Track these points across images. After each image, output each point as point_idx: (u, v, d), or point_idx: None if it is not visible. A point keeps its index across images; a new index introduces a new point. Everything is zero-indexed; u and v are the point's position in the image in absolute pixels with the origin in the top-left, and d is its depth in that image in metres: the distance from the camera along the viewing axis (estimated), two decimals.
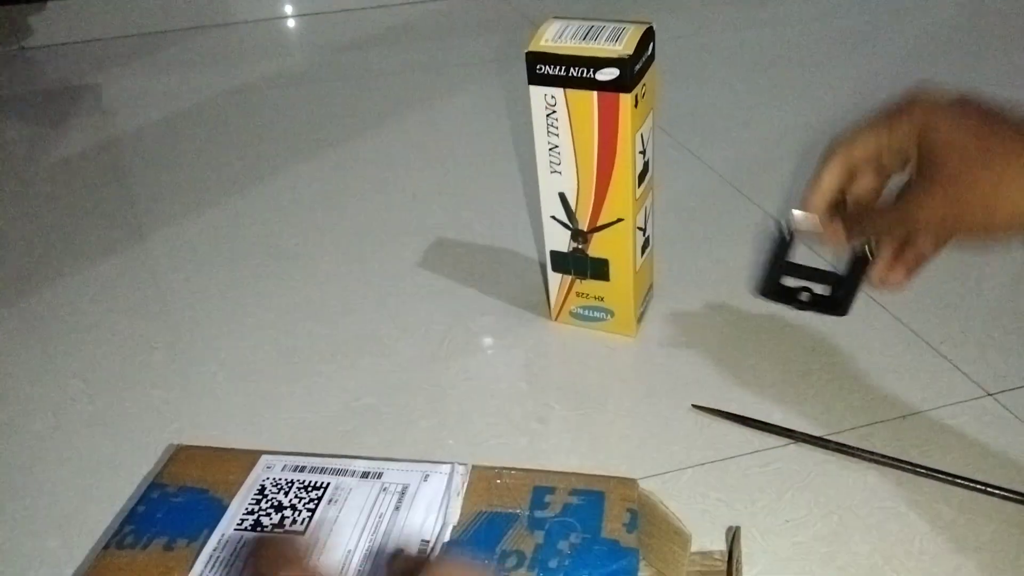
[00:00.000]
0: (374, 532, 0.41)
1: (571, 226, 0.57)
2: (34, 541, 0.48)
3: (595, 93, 0.51)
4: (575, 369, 0.59)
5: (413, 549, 0.40)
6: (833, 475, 0.49)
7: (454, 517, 0.41)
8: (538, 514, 0.41)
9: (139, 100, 1.12)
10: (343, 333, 0.64)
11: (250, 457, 0.46)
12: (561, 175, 0.55)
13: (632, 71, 0.50)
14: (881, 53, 1.11)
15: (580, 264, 0.59)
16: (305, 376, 0.60)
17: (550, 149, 0.54)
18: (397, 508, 0.42)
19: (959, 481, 0.47)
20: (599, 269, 0.59)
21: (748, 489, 0.48)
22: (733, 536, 0.43)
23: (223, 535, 0.41)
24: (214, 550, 0.40)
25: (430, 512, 0.42)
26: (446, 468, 0.44)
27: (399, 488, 0.43)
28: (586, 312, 0.61)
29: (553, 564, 0.38)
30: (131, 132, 1.02)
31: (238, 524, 0.42)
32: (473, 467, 0.44)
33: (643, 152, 0.55)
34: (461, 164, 0.89)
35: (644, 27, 0.51)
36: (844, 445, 0.50)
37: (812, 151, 0.86)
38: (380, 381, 0.59)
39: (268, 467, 0.45)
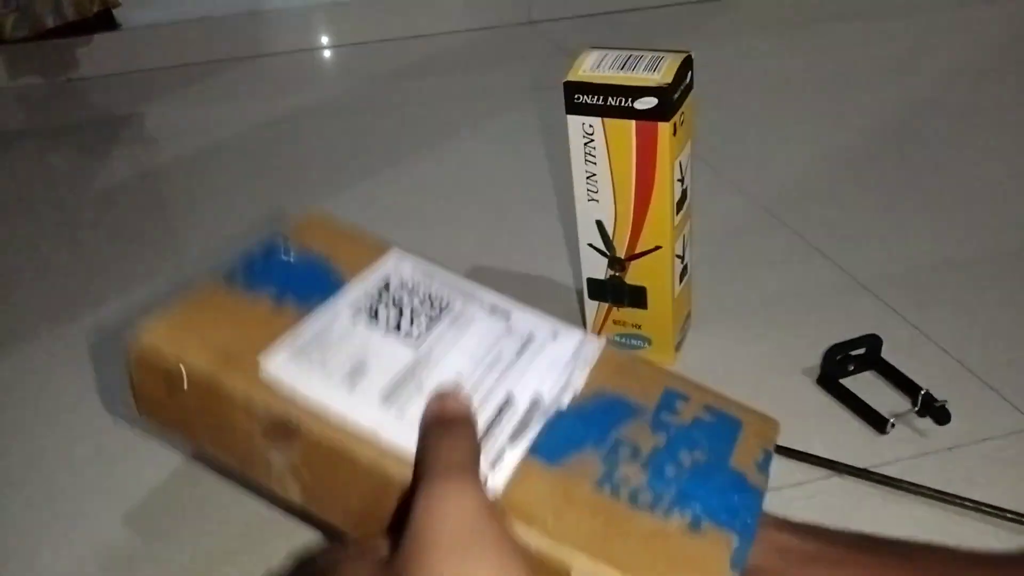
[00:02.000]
0: (489, 368, 0.37)
1: (608, 254, 0.57)
2: (74, 567, 0.49)
3: (633, 122, 0.51)
4: None
5: (520, 403, 0.36)
6: (878, 508, 0.48)
7: (578, 384, 0.37)
8: (665, 416, 0.36)
9: (180, 130, 1.14)
10: None
11: (381, 246, 0.43)
12: (599, 203, 0.55)
13: (671, 100, 0.50)
14: (919, 80, 1.11)
15: (617, 292, 0.59)
16: None
17: (588, 177, 0.55)
18: (518, 354, 0.38)
19: (1008, 515, 0.46)
20: (637, 297, 0.58)
21: None
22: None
23: (336, 312, 0.38)
24: (323, 326, 0.37)
25: (552, 371, 0.37)
26: (578, 333, 0.40)
27: (525, 335, 0.39)
28: (624, 340, 0.61)
29: (670, 472, 0.34)
30: (172, 161, 1.05)
31: (353, 306, 0.39)
32: (606, 348, 0.40)
33: (681, 180, 0.55)
34: (497, 192, 0.89)
35: (683, 56, 0.51)
36: (889, 477, 0.49)
37: (847, 178, 0.86)
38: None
39: (398, 261, 0.42)
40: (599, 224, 0.56)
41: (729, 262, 0.73)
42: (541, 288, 0.71)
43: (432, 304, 0.40)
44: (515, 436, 0.34)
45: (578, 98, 0.52)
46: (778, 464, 0.51)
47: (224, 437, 0.37)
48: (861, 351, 0.58)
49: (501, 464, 0.33)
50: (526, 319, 0.40)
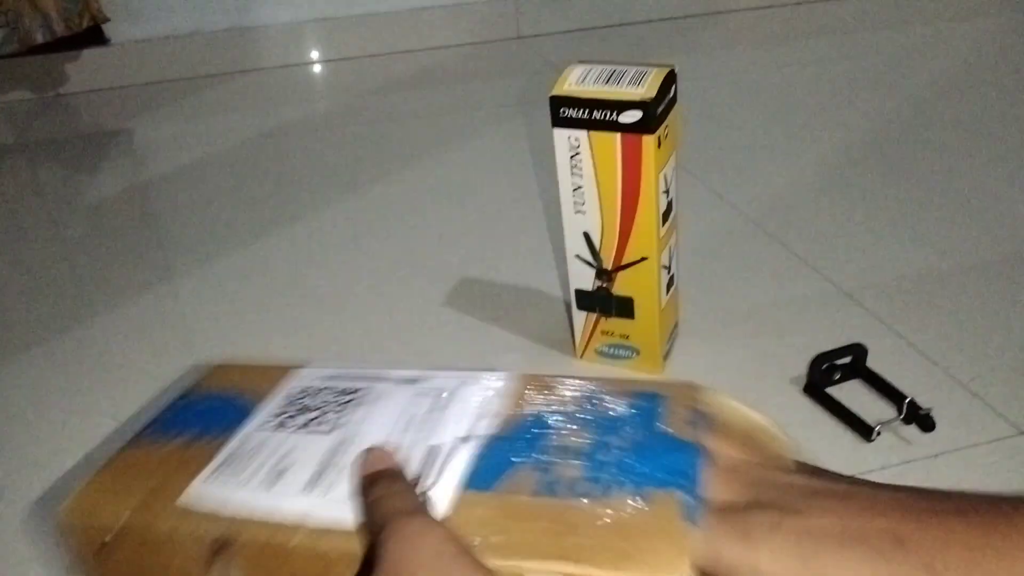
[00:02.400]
0: (405, 431, 0.37)
1: (596, 265, 0.58)
2: None
3: (618, 135, 0.52)
4: None
5: (443, 448, 0.36)
6: None
7: (496, 413, 0.38)
8: (587, 414, 0.37)
9: (170, 145, 1.14)
10: None
11: (285, 369, 0.44)
12: (585, 215, 0.56)
13: (655, 113, 0.50)
14: (900, 93, 1.12)
15: (605, 302, 0.59)
16: None
17: (574, 190, 0.55)
18: (431, 411, 0.38)
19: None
20: (624, 307, 0.59)
21: None
22: None
23: (246, 434, 0.39)
24: (234, 447, 0.38)
25: (466, 413, 0.38)
26: (491, 375, 0.41)
27: (434, 392, 0.39)
28: (612, 350, 0.62)
29: (604, 458, 0.34)
30: (162, 176, 1.05)
31: (261, 424, 0.39)
32: (521, 375, 0.40)
33: (667, 192, 0.55)
34: (486, 205, 0.90)
35: (666, 70, 0.52)
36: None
37: (831, 189, 0.87)
38: None
39: (302, 377, 0.43)
40: (586, 236, 0.57)
41: (716, 273, 0.74)
42: (529, 299, 0.72)
43: (337, 399, 0.41)
44: (441, 477, 0.34)
45: (564, 112, 0.52)
46: None
47: None
48: (847, 360, 0.59)
49: (434, 504, 0.33)
50: (436, 378, 0.41)
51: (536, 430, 0.37)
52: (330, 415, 0.39)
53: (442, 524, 0.30)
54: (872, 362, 0.60)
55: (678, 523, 0.30)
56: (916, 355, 0.61)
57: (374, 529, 0.31)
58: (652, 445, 0.34)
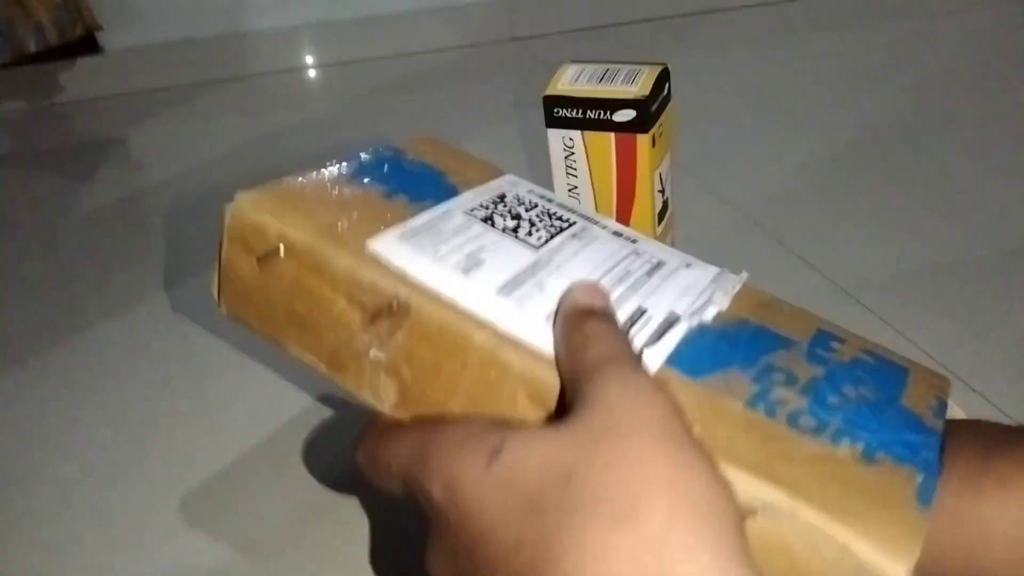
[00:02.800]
0: (618, 282, 0.32)
1: None
2: None
3: (613, 135, 0.51)
4: None
5: (655, 316, 0.31)
6: None
7: (720, 305, 0.33)
8: (820, 352, 0.32)
9: (165, 152, 1.14)
10: None
11: (496, 168, 0.40)
12: None
13: (649, 112, 0.50)
14: (896, 88, 1.12)
15: None
16: (335, 424, 0.60)
17: (569, 190, 0.55)
18: (648, 275, 0.34)
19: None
20: None
21: None
22: None
23: (449, 210, 0.35)
24: (436, 216, 0.34)
25: (688, 293, 0.33)
26: (714, 267, 0.37)
27: (655, 260, 0.35)
28: None
29: (833, 401, 0.29)
30: (158, 183, 1.05)
31: (467, 209, 0.35)
32: (749, 284, 0.36)
33: (662, 191, 0.55)
34: None
35: (659, 68, 0.52)
36: None
37: (828, 186, 0.86)
38: None
39: (513, 183, 0.39)
40: None
41: None
42: None
43: (551, 219, 0.36)
44: (650, 344, 0.30)
45: (557, 112, 0.52)
46: None
47: (315, 330, 0.33)
48: None
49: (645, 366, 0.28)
50: (654, 247, 0.36)
51: (758, 341, 0.32)
52: (541, 231, 0.35)
53: (664, 387, 0.25)
54: None
55: (910, 498, 0.26)
56: (915, 351, 0.61)
57: (579, 367, 0.26)
58: (893, 413, 0.30)
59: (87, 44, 1.35)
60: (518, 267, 0.32)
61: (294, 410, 0.62)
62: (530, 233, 0.35)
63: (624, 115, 0.50)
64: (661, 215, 0.56)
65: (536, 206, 0.37)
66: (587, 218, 0.37)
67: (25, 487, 0.57)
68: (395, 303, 0.30)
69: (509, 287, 0.31)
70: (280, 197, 0.35)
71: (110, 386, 0.66)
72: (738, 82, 1.19)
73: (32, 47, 1.26)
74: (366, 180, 0.37)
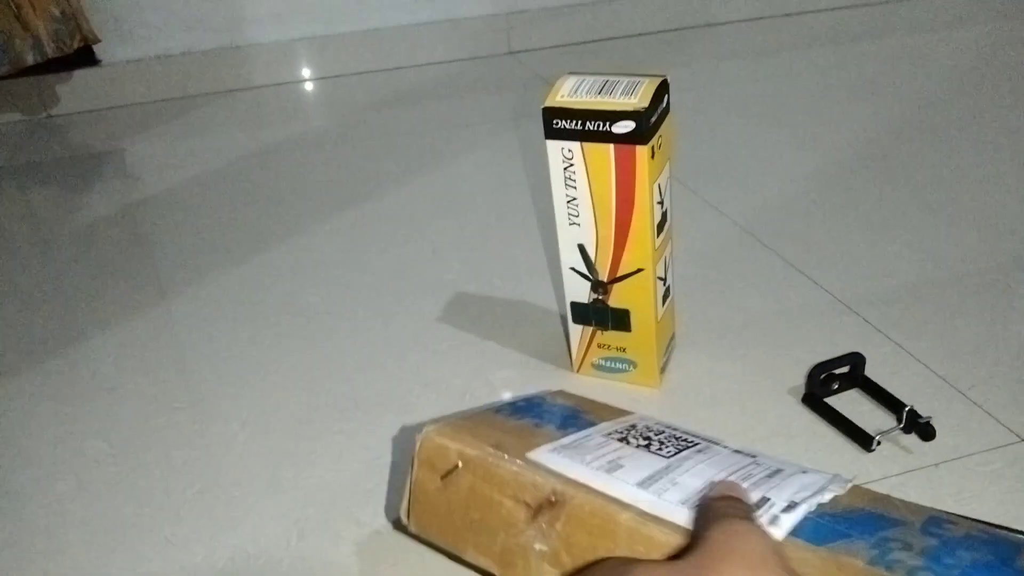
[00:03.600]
0: (743, 480, 0.38)
1: (591, 277, 0.57)
2: None
3: (612, 146, 0.51)
4: None
5: (778, 503, 0.36)
6: None
7: (836, 491, 0.38)
8: (933, 529, 0.35)
9: (162, 164, 1.14)
10: (364, 390, 0.64)
11: (624, 411, 0.48)
12: (580, 227, 0.55)
13: (648, 123, 0.50)
14: (893, 101, 1.12)
15: (601, 315, 0.59)
16: (327, 434, 0.60)
17: (568, 202, 0.55)
18: (769, 477, 0.39)
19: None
20: (620, 319, 0.58)
21: None
22: None
23: (589, 433, 0.43)
24: (579, 438, 0.42)
25: (806, 488, 0.38)
26: (826, 474, 0.41)
27: (773, 467, 0.40)
28: (608, 363, 0.61)
29: (949, 561, 0.32)
30: (154, 196, 1.04)
31: (604, 433, 0.43)
32: (856, 486, 0.40)
33: (661, 202, 0.55)
34: (480, 219, 0.90)
35: (659, 80, 0.52)
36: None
37: (826, 199, 0.87)
38: (403, 438, 0.59)
39: (642, 418, 0.47)
40: (581, 248, 0.56)
41: (711, 283, 0.73)
42: (525, 314, 0.71)
43: (677, 440, 0.43)
44: (773, 521, 0.35)
45: (556, 123, 0.52)
46: None
47: (487, 533, 0.39)
48: (845, 369, 0.59)
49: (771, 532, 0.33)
50: (772, 459, 0.42)
51: (873, 521, 0.36)
52: (670, 446, 0.42)
53: (770, 536, 0.31)
54: (871, 371, 0.59)
55: None
56: (915, 363, 0.61)
57: (706, 525, 0.32)
58: (1007, 572, 0.32)
59: (85, 56, 1.35)
60: (653, 469, 0.38)
61: (290, 421, 0.61)
62: (660, 448, 0.41)
63: (623, 127, 0.50)
64: (660, 226, 0.56)
65: (663, 432, 0.44)
66: (710, 440, 0.44)
67: (19, 500, 0.56)
68: (553, 496, 0.37)
69: (647, 482, 0.37)
70: (457, 427, 0.42)
71: (105, 398, 0.66)
72: (735, 95, 1.20)
73: (30, 60, 1.26)
74: (520, 415, 0.45)
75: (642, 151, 0.51)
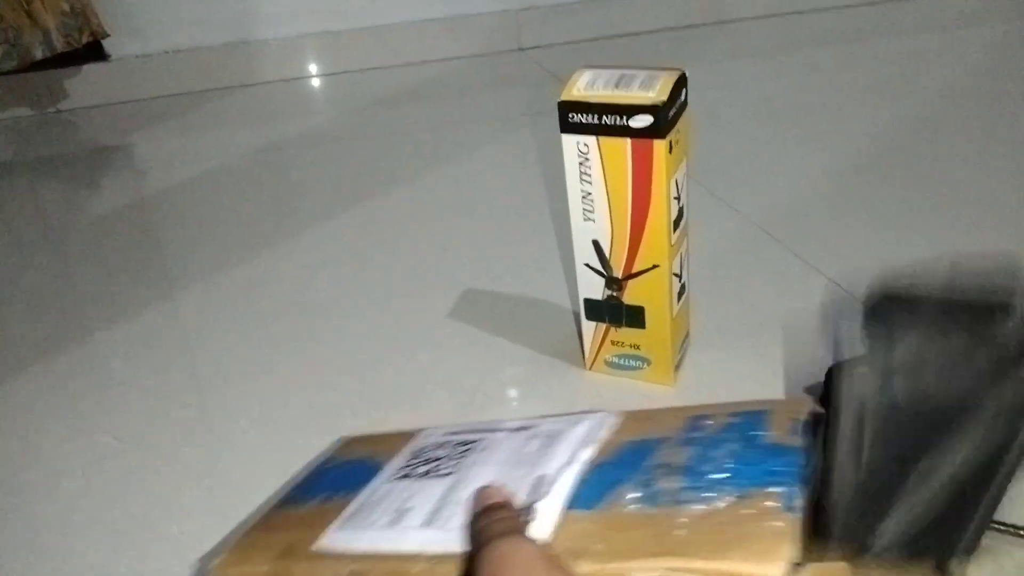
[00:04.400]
0: (517, 466, 0.40)
1: (605, 273, 0.57)
2: None
3: (629, 140, 0.50)
4: None
5: (549, 476, 0.38)
6: None
7: (601, 438, 0.40)
8: (692, 435, 0.39)
9: (170, 160, 1.14)
10: (373, 387, 0.63)
11: (409, 434, 0.48)
12: (595, 223, 0.55)
13: (666, 117, 0.49)
14: (906, 100, 1.11)
15: (615, 312, 0.58)
16: (337, 431, 0.59)
17: (583, 197, 0.54)
18: (543, 448, 0.41)
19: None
20: (635, 316, 0.57)
21: None
22: None
23: (373, 487, 0.42)
24: (363, 499, 0.42)
25: (573, 445, 0.40)
26: (600, 413, 0.43)
27: (548, 433, 0.42)
28: (622, 361, 0.60)
29: (707, 469, 0.36)
30: (162, 191, 1.04)
31: (388, 478, 0.43)
32: (627, 412, 0.43)
33: (678, 198, 0.54)
34: (491, 215, 0.89)
35: (677, 74, 0.51)
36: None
37: (840, 197, 0.85)
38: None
39: (427, 435, 0.47)
40: (595, 244, 0.56)
41: (727, 281, 0.72)
42: (537, 310, 0.70)
43: (457, 448, 0.44)
44: (547, 500, 0.37)
45: (572, 117, 0.51)
46: None
47: None
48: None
49: (542, 521, 0.35)
50: (550, 423, 0.44)
51: (638, 453, 0.39)
52: (448, 462, 0.42)
53: (532, 541, 0.33)
54: None
55: (777, 515, 0.32)
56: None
57: (475, 551, 0.34)
58: (755, 453, 0.36)
59: (94, 51, 1.35)
60: (436, 497, 0.39)
61: (300, 419, 0.61)
62: (443, 466, 0.42)
63: (641, 120, 0.49)
64: (676, 222, 0.55)
65: (444, 444, 0.45)
66: (490, 429, 0.45)
67: (27, 497, 0.56)
68: None
69: (432, 518, 0.38)
70: (244, 549, 0.42)
71: (114, 395, 0.65)
72: (749, 93, 1.19)
73: (39, 54, 1.26)
74: (307, 496, 0.45)
75: (660, 145, 0.50)
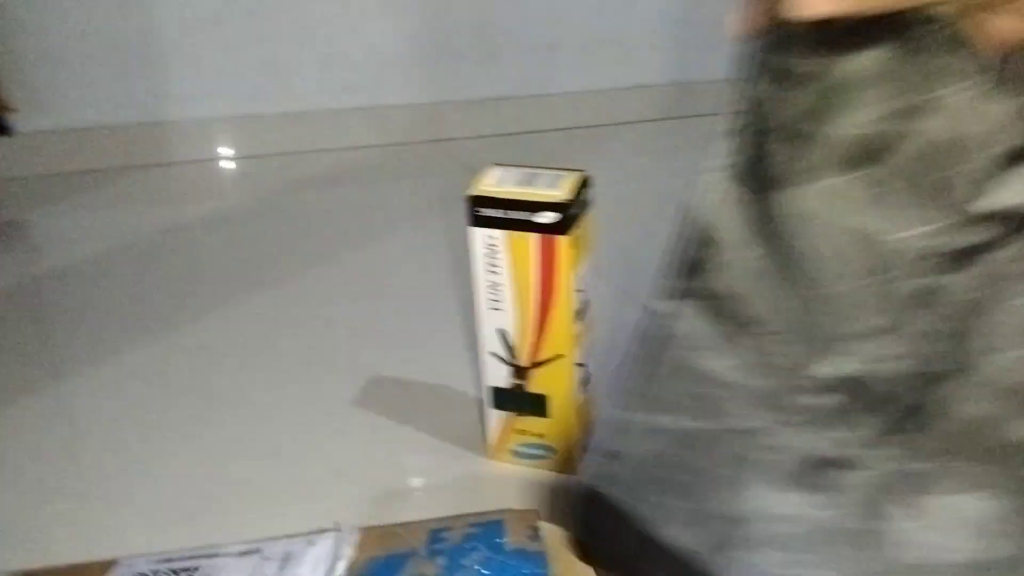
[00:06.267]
0: None
1: (511, 362, 0.58)
2: None
3: (535, 235, 0.52)
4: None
5: None
6: None
7: (348, 557, 0.41)
8: (437, 546, 0.41)
9: (68, 238, 1.10)
10: (272, 478, 0.62)
11: (104, 565, 0.44)
12: (501, 312, 0.56)
13: (570, 214, 0.52)
14: None
15: (519, 400, 0.59)
16: (229, 526, 0.57)
17: (490, 287, 0.55)
18: (281, 569, 0.41)
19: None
20: (538, 404, 0.58)
21: None
22: None
23: None
24: None
25: (317, 569, 0.41)
26: (332, 533, 0.44)
27: (281, 555, 0.42)
28: (527, 450, 0.61)
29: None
30: (58, 270, 1.00)
31: None
32: (362, 528, 0.44)
33: (581, 291, 0.56)
34: (399, 302, 0.89)
35: (580, 175, 0.54)
36: None
37: None
38: (309, 527, 0.56)
39: (129, 566, 0.43)
40: (501, 333, 0.57)
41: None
42: (442, 398, 0.71)
43: (175, 573, 0.42)
44: None
45: (481, 211, 0.53)
46: None
47: None
48: None
49: None
50: (279, 545, 0.44)
51: (389, 568, 0.40)
52: None
53: None
54: None
55: None
56: None
57: None
58: (503, 559, 0.40)
59: None
60: None
61: (191, 511, 0.58)
62: None
63: (547, 217, 0.52)
64: (580, 313, 0.57)
65: (157, 573, 0.44)
66: (209, 555, 0.44)
67: None
68: None
69: None
70: None
71: None
72: (652, 191, 1.25)
73: None
74: None
75: (564, 241, 0.52)
